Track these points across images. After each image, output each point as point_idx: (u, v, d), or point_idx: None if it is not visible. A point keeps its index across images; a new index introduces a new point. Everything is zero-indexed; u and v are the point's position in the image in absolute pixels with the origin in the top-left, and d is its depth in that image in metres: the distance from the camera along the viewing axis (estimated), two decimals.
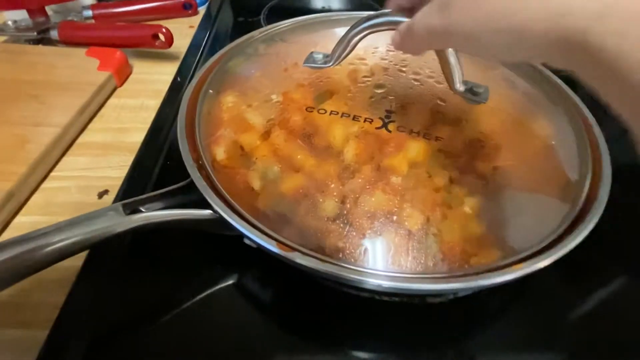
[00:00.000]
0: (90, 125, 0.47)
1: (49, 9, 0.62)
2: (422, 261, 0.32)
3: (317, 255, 0.27)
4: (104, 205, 0.38)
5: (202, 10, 0.70)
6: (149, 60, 0.57)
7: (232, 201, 0.32)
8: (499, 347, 0.33)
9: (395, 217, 0.33)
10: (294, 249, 0.27)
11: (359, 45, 0.46)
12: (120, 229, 0.27)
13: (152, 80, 0.54)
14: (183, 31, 0.64)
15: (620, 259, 0.39)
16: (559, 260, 0.28)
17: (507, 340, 0.33)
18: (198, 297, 0.33)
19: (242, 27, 0.67)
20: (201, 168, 0.34)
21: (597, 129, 0.40)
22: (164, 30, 0.52)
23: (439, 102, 0.43)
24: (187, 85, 0.41)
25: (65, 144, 0.43)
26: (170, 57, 0.58)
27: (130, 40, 0.54)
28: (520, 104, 0.46)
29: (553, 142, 0.41)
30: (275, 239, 0.29)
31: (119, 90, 0.52)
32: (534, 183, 0.39)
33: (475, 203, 0.36)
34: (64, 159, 0.43)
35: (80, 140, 0.45)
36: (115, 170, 0.42)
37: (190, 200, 0.31)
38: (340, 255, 0.30)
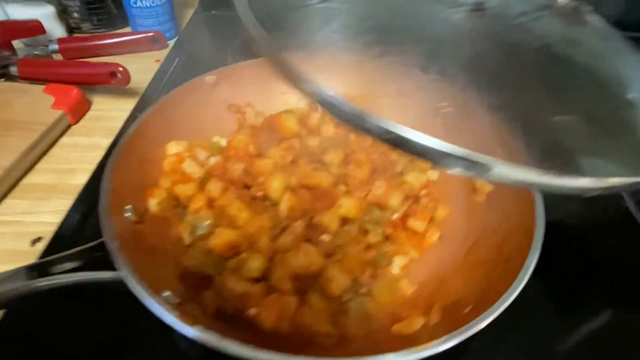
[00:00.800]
0: (38, 165, 0.47)
1: (18, 41, 0.63)
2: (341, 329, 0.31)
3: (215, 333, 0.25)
4: (36, 253, 0.38)
5: (172, 44, 0.70)
6: (109, 96, 0.57)
7: (147, 261, 0.31)
8: None
9: (320, 279, 0.32)
10: (198, 321, 0.26)
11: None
12: (21, 293, 0.27)
13: (111, 117, 0.54)
14: (149, 65, 0.64)
15: (606, 293, 0.39)
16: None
17: None
18: None
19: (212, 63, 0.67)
20: (124, 222, 0.33)
21: None
22: (120, 69, 0.52)
23: (382, 155, 0.43)
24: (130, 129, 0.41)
25: (7, 187, 0.43)
26: (131, 93, 0.58)
27: (87, 77, 0.54)
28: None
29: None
30: (188, 306, 0.28)
31: (73, 127, 0.52)
32: (475, 239, 0.38)
33: (405, 263, 0.35)
34: (5, 201, 0.43)
35: (25, 181, 0.45)
36: (53, 215, 0.41)
37: (104, 258, 0.30)
38: (257, 322, 0.29)
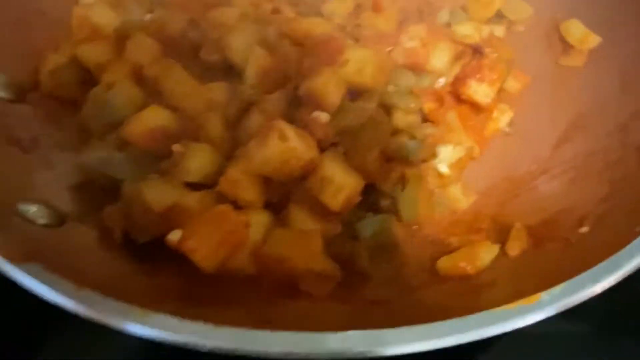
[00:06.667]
0: None
1: None
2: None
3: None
4: None
5: None
6: None
7: None
8: None
9: (309, 185, 0.18)
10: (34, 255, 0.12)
11: None
12: None
13: None
14: None
15: None
16: None
17: None
18: None
19: None
20: None
21: None
22: None
23: None
24: None
25: None
26: None
27: None
28: None
29: None
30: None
31: None
32: None
33: (459, 158, 0.20)
34: None
35: None
36: None
37: None
38: (188, 258, 0.16)
